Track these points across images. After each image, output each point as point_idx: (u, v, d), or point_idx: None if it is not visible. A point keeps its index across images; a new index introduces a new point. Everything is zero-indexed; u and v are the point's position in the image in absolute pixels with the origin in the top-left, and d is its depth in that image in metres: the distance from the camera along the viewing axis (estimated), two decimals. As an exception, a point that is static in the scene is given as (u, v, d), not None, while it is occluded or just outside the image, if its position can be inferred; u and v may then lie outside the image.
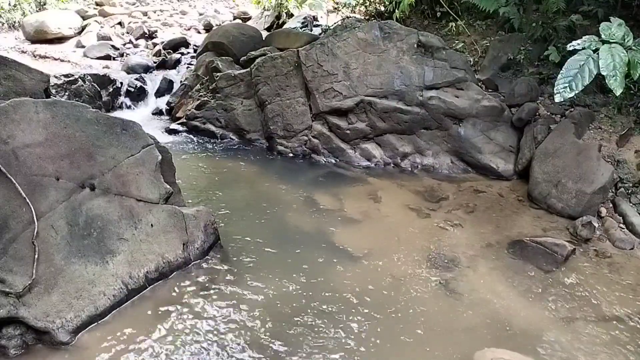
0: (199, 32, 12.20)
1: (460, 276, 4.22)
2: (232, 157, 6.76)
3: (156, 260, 3.83)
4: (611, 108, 6.01)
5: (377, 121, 6.52)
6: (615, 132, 5.81)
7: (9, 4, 11.28)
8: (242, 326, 3.47)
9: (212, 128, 7.50)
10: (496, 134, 6.33)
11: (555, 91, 3.90)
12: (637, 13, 6.32)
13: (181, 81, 8.80)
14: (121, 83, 8.51)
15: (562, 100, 3.87)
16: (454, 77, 6.49)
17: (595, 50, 3.87)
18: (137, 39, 11.29)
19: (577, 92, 3.85)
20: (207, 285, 3.88)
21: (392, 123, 6.52)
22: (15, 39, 10.88)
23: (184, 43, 10.76)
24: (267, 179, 6.06)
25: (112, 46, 10.31)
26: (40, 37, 10.50)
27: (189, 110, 7.80)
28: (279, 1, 11.02)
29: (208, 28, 12.10)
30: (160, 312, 3.55)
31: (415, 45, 6.55)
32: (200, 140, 7.38)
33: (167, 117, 8.34)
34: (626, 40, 3.93)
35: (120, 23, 12.05)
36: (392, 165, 6.59)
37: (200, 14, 13.57)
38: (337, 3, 10.23)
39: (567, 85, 3.84)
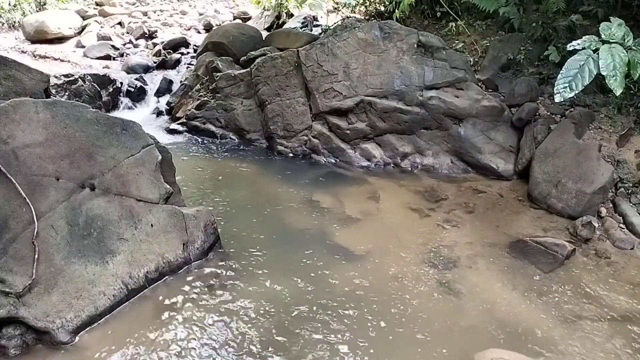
0: (199, 32, 12.20)
1: (460, 276, 4.22)
2: (232, 157, 6.76)
3: (156, 260, 3.83)
4: (611, 108, 6.01)
5: (377, 121, 6.52)
6: (615, 132, 5.81)
7: (9, 4, 11.28)
8: (242, 326, 3.47)
9: (212, 128, 7.50)
10: (496, 134, 6.33)
11: (555, 91, 3.90)
12: (637, 13, 6.32)
13: (181, 81, 8.80)
14: (121, 83, 8.51)
15: (562, 100, 3.87)
16: (454, 77, 6.49)
17: (595, 50, 3.87)
18: (137, 39, 11.29)
19: (577, 92, 3.85)
20: (207, 285, 3.88)
21: (392, 123, 6.52)
22: (15, 39, 10.88)
23: (184, 43, 10.77)
24: (267, 179, 6.06)
25: (112, 46, 10.31)
26: (40, 37, 10.50)
27: (189, 110, 7.80)
28: (279, 1, 11.02)
29: (208, 28, 12.11)
30: (160, 312, 3.55)
31: (415, 45, 6.55)
32: (200, 140, 7.39)
33: (167, 117, 8.34)
34: (626, 40, 3.93)
35: (120, 23, 12.05)
36: (392, 165, 6.59)
37: (200, 14, 13.57)
38: (337, 3, 10.23)
39: (567, 85, 3.84)
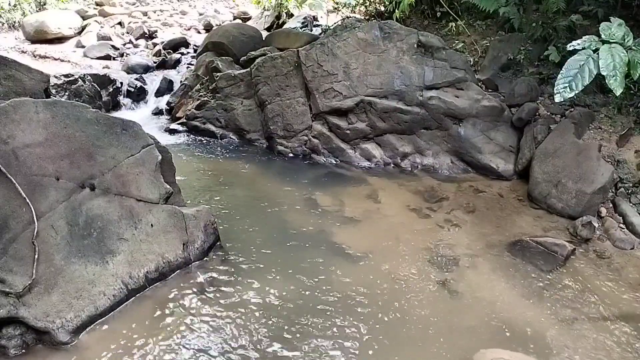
0: (199, 32, 12.22)
1: (460, 276, 4.22)
2: (232, 157, 6.76)
3: (156, 260, 3.83)
4: (611, 108, 6.01)
5: (377, 121, 6.52)
6: (615, 132, 5.81)
7: (9, 4, 11.29)
8: (242, 326, 3.47)
9: (212, 128, 7.50)
10: (496, 134, 6.33)
11: (555, 91, 3.90)
12: (637, 13, 6.32)
13: (181, 81, 8.81)
14: (121, 83, 8.52)
15: (562, 100, 3.86)
16: (454, 77, 6.49)
17: (595, 50, 3.87)
18: (137, 39, 11.30)
19: (577, 92, 3.84)
20: (207, 285, 3.88)
21: (392, 123, 6.52)
22: (15, 39, 10.89)
23: (184, 43, 10.78)
24: (267, 179, 6.06)
25: (112, 46, 10.32)
26: (40, 37, 10.51)
27: (189, 110, 7.81)
28: (279, 1, 11.03)
29: (208, 28, 12.12)
30: (160, 312, 3.55)
31: (415, 45, 6.55)
32: (200, 140, 7.39)
33: (167, 117, 8.35)
34: (626, 40, 3.92)
35: (120, 23, 12.06)
36: (392, 165, 6.59)
37: (200, 14, 13.58)
38: (337, 3, 10.22)
39: (567, 85, 3.84)
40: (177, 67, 9.74)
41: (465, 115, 6.31)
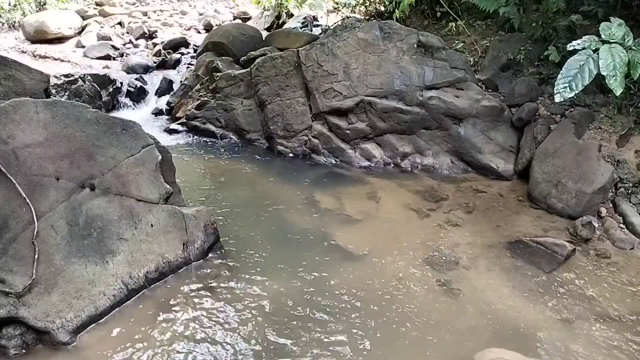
0: (199, 32, 12.21)
1: (460, 276, 4.22)
2: (232, 157, 6.76)
3: (156, 260, 3.83)
4: (611, 108, 6.01)
5: (377, 121, 6.52)
6: (615, 132, 5.81)
7: (9, 4, 11.29)
8: (242, 326, 3.47)
9: (212, 128, 7.50)
10: (496, 134, 6.33)
11: (555, 91, 3.90)
12: (637, 13, 6.32)
13: (181, 81, 8.81)
14: (121, 83, 8.52)
15: (562, 100, 3.87)
16: (454, 77, 6.49)
17: (595, 50, 3.87)
18: (137, 39, 11.29)
19: (577, 92, 3.84)
20: (207, 285, 3.88)
21: (392, 123, 6.52)
22: (15, 39, 10.88)
23: (184, 43, 10.77)
24: (267, 179, 6.06)
25: (112, 46, 10.31)
26: (40, 37, 10.51)
27: (189, 110, 7.80)
28: (279, 1, 11.03)
29: (208, 28, 12.11)
30: (160, 312, 3.55)
31: (415, 45, 6.55)
32: (200, 140, 7.39)
33: (167, 117, 8.35)
34: (626, 40, 3.93)
35: (120, 23, 12.06)
36: (392, 165, 6.59)
37: (200, 14, 13.58)
38: (337, 3, 10.22)
39: (567, 85, 3.84)
40: (177, 67, 9.74)
41: (465, 115, 6.31)
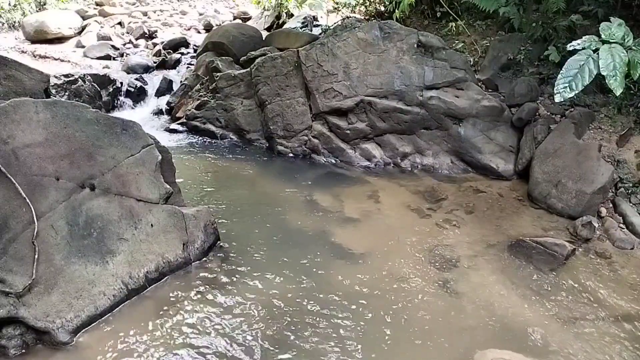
0: (199, 32, 12.22)
1: (460, 276, 4.22)
2: (232, 157, 6.76)
3: (156, 260, 3.83)
4: (611, 108, 6.01)
5: (377, 121, 6.52)
6: (615, 132, 5.80)
7: (9, 4, 11.29)
8: (242, 326, 3.47)
9: (212, 128, 7.50)
10: (496, 134, 6.33)
11: (555, 91, 3.90)
12: (637, 13, 6.32)
13: (181, 81, 8.81)
14: (121, 83, 8.52)
15: (562, 100, 3.86)
16: (454, 77, 6.49)
17: (595, 50, 3.86)
18: (137, 39, 11.30)
19: (577, 92, 3.84)
20: (207, 285, 3.88)
21: (392, 123, 6.52)
22: (15, 39, 10.89)
23: (184, 43, 10.78)
24: (267, 179, 6.06)
25: (112, 46, 10.32)
26: (40, 37, 10.51)
27: (189, 110, 7.81)
28: (279, 1, 11.03)
29: (208, 28, 12.12)
30: (160, 312, 3.55)
31: (415, 45, 6.55)
32: (200, 140, 7.39)
33: (167, 117, 8.35)
34: (626, 40, 3.92)
35: (120, 23, 12.06)
36: (392, 165, 6.59)
37: (200, 14, 13.59)
38: (337, 3, 10.22)
39: (567, 85, 3.84)
40: (177, 67, 9.74)
41: (465, 115, 6.31)
